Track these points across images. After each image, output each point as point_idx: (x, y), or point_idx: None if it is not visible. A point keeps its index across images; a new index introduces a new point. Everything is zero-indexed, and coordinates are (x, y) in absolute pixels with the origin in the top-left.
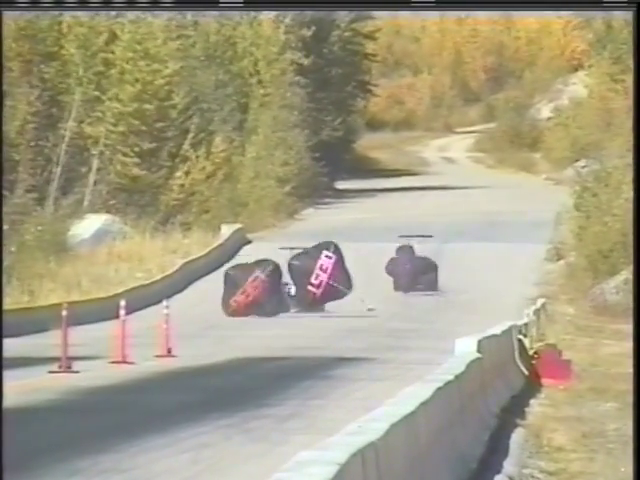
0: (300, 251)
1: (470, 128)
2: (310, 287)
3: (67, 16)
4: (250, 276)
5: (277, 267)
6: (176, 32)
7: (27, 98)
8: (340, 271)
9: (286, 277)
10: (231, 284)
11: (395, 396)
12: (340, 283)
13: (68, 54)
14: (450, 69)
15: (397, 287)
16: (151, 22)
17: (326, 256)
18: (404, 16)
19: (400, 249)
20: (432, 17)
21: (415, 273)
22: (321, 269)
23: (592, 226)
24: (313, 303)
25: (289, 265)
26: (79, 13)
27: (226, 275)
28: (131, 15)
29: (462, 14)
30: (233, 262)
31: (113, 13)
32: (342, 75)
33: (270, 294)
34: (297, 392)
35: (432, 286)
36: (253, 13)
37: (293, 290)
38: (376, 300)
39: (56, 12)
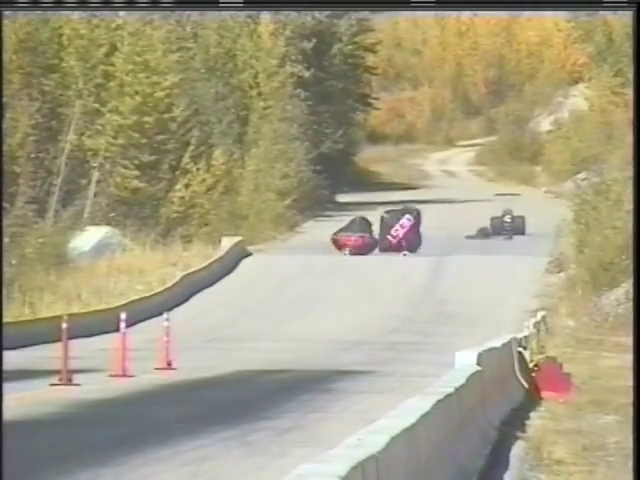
0: (392, 209)
1: (471, 141)
2: (389, 237)
3: (67, 28)
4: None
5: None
6: (176, 44)
7: (27, 111)
8: (414, 232)
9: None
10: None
11: (395, 409)
12: (411, 242)
13: (68, 66)
14: (451, 82)
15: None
16: (151, 34)
17: (407, 218)
18: (405, 28)
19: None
20: (433, 30)
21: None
22: (401, 226)
23: (592, 239)
24: (388, 249)
25: (382, 218)
26: (79, 25)
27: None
28: (131, 27)
29: (463, 26)
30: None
31: (113, 25)
32: (343, 88)
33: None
34: (297, 405)
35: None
36: (253, 25)
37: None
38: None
39: (56, 25)
